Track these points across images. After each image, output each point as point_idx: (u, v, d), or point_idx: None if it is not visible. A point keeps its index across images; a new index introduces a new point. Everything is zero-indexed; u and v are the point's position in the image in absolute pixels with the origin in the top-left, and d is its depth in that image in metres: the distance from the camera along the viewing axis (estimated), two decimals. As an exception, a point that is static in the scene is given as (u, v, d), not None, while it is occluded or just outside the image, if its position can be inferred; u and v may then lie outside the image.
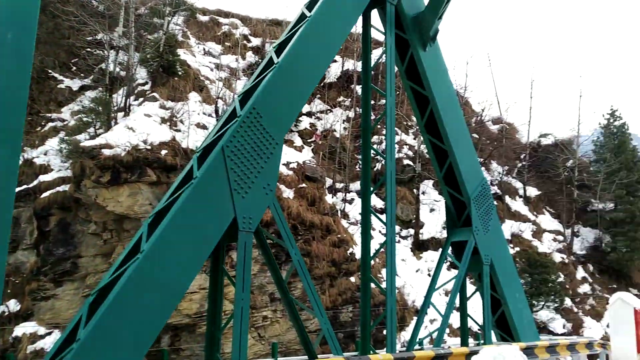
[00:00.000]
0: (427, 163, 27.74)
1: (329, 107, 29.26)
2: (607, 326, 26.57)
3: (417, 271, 24.63)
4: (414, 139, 29.69)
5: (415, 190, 27.99)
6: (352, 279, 20.10)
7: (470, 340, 11.79)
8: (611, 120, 35.02)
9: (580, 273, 30.30)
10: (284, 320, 18.20)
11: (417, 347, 9.90)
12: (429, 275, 23.90)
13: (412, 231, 26.96)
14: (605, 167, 32.18)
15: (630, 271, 32.12)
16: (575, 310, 26.93)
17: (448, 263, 22.60)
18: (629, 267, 31.72)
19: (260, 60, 27.41)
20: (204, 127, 20.72)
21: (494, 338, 11.33)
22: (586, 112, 34.41)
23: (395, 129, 20.75)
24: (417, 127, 23.95)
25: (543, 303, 25.20)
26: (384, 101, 10.19)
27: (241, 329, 6.91)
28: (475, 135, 31.61)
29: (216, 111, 22.43)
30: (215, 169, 7.02)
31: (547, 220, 32.85)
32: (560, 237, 31.56)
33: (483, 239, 10.61)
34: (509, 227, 28.85)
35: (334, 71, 30.80)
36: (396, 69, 10.40)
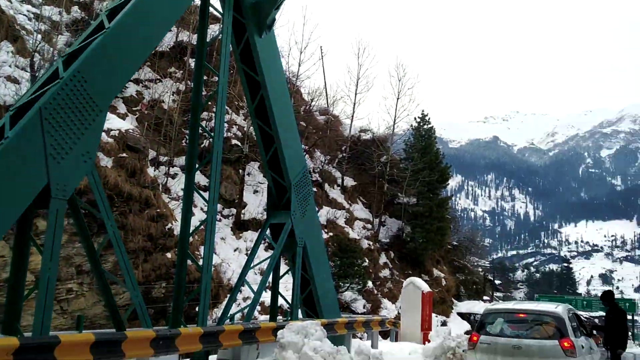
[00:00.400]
0: (254, 145, 28.25)
1: (158, 77, 28.24)
2: (400, 307, 29.67)
3: (235, 250, 25.08)
4: (244, 119, 29.98)
5: (240, 171, 28.34)
6: (169, 254, 19.84)
7: (279, 317, 12.47)
8: (421, 124, 38.79)
9: (382, 259, 33.32)
10: (90, 293, 17.39)
11: (227, 322, 10.25)
12: (246, 254, 24.48)
13: (234, 211, 27.28)
14: (412, 165, 35.61)
15: (425, 259, 36.14)
16: (376, 292, 29.59)
17: (266, 243, 23.38)
18: (424, 255, 35.66)
19: (87, 17, 25.49)
20: (16, 81, 18.78)
21: (300, 315, 12.12)
22: (402, 113, 37.86)
23: (226, 107, 20.83)
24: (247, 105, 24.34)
25: (348, 285, 27.31)
26: (216, 78, 10.30)
27: (46, 299, 6.61)
28: (303, 124, 32.87)
29: (31, 65, 20.42)
30: (30, 131, 6.56)
31: (359, 209, 35.49)
32: (369, 226, 34.32)
33: (299, 223, 11.28)
34: (325, 213, 30.62)
35: (167, 41, 29.74)
36: (231, 48, 10.53)
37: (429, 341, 16.90)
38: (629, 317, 74.36)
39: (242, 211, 27.48)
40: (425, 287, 18.45)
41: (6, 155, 6.28)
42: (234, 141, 28.59)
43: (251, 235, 26.21)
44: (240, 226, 26.99)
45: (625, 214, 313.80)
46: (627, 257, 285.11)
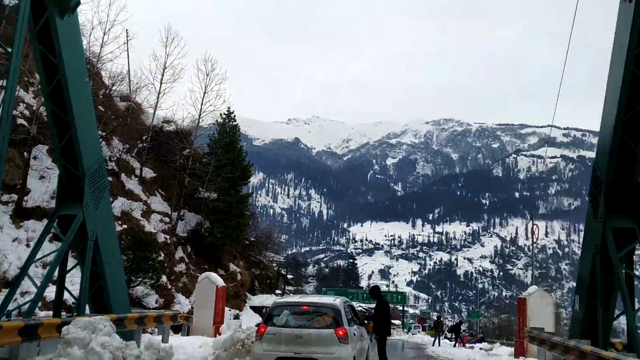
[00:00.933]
0: (44, 126, 25.93)
1: None
2: (194, 301, 29.75)
3: (14, 240, 22.82)
4: (34, 98, 27.36)
5: (26, 154, 25.82)
6: None
7: (64, 313, 11.84)
8: (227, 121, 39.22)
9: (179, 253, 32.99)
10: None
11: (4, 319, 9.49)
12: (27, 245, 22.52)
13: (15, 197, 24.77)
14: (216, 161, 35.86)
15: (222, 254, 36.64)
16: (170, 286, 29.22)
17: (51, 235, 21.72)
18: (221, 250, 36.12)
19: None
20: None
21: (88, 311, 11.66)
22: (208, 108, 37.75)
23: (14, 85, 18.88)
24: (40, 86, 22.19)
25: (141, 279, 26.53)
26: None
27: None
28: (101, 108, 31.06)
29: None
30: None
31: (157, 202, 34.62)
32: (167, 219, 33.71)
33: (92, 216, 10.82)
34: (120, 205, 29.31)
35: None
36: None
37: (220, 334, 17.38)
38: (401, 308, 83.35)
39: (25, 198, 25.07)
40: (220, 282, 18.90)
41: None
42: (20, 121, 25.92)
43: (34, 225, 24.07)
44: (21, 214, 24.59)
45: (402, 216, 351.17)
46: (402, 254, 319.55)
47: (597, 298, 10.91)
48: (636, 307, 10.51)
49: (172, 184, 35.38)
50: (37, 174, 26.72)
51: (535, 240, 39.96)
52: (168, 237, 32.06)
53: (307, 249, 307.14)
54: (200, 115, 37.27)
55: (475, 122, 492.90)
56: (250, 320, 30.75)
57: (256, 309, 37.35)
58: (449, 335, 51.40)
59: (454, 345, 37.17)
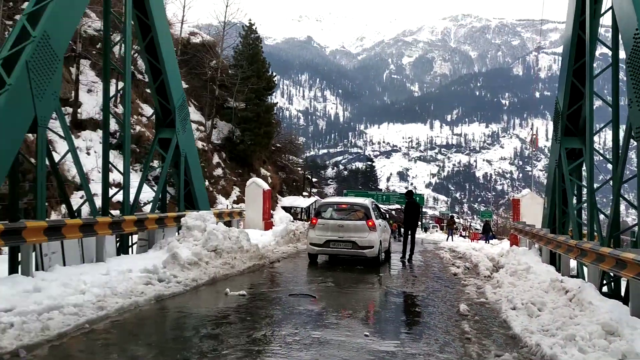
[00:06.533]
0: (87, 44, 28.14)
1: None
2: (233, 202, 33.22)
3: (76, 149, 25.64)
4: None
5: (72, 69, 28.14)
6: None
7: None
8: (249, 33, 40.86)
9: (215, 159, 36.17)
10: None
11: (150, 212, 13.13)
12: (87, 153, 25.48)
13: (70, 110, 27.39)
14: (242, 73, 38.01)
15: (253, 160, 39.80)
16: (211, 189, 32.65)
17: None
18: (251, 156, 39.23)
19: None
20: None
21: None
22: (233, 20, 39.70)
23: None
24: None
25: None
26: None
27: None
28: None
29: None
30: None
31: (192, 112, 37.24)
32: (202, 128, 36.56)
33: (182, 138, 14.00)
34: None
35: None
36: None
37: (270, 227, 20.80)
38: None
39: (79, 110, 27.62)
40: (265, 186, 22.19)
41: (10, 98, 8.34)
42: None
43: (90, 135, 26.75)
44: (77, 125, 27.23)
45: (420, 117, 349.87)
46: (420, 157, 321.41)
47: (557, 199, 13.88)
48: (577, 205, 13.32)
49: (203, 95, 37.80)
50: (85, 87, 29.13)
51: (534, 149, 42.27)
52: (204, 144, 35.03)
53: (325, 151, 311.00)
54: (224, 28, 38.98)
55: (494, 18, 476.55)
56: (282, 218, 34.24)
57: (286, 209, 40.80)
58: (464, 233, 55.02)
59: (447, 240, 40.77)
